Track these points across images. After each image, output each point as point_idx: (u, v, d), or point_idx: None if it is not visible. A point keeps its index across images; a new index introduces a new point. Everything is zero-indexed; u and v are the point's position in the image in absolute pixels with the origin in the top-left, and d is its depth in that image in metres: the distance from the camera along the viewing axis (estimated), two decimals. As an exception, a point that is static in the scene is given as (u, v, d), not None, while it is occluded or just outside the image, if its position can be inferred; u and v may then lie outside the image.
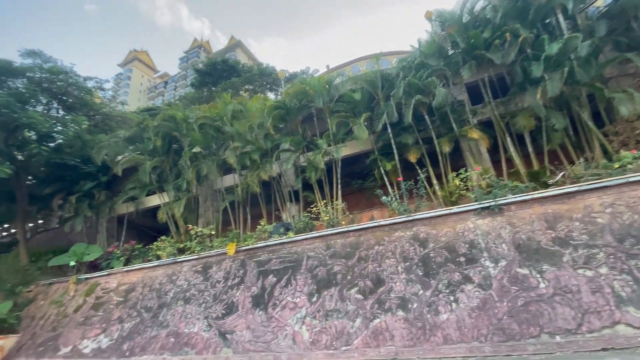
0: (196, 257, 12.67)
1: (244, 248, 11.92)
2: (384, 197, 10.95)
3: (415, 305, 8.07)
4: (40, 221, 27.77)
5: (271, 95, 30.58)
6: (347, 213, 12.25)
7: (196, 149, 14.24)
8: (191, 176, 14.36)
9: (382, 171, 12.56)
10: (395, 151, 12.08)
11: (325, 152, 12.42)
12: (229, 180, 16.52)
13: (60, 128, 17.70)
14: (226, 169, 16.17)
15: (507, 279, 7.70)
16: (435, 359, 7.22)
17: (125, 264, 14.51)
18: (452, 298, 7.94)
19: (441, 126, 12.50)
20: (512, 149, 11.80)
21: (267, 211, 15.24)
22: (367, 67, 20.24)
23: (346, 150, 13.39)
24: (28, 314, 14.81)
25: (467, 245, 8.80)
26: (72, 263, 15.11)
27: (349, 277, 9.33)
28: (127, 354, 10.54)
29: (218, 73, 30.31)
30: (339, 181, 13.10)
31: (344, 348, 7.98)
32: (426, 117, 12.01)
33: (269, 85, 32.04)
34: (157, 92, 76.54)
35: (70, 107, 19.66)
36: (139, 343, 10.65)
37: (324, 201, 13.03)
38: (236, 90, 27.09)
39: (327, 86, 12.81)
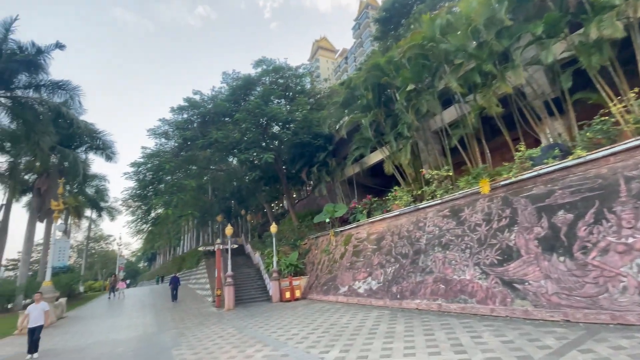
0: (439, 201, 11.42)
1: (502, 183, 9.46)
2: None
3: None
4: (293, 195, 36.64)
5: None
6: None
7: (410, 87, 12.71)
8: (411, 117, 13.09)
9: None
10: None
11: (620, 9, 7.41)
12: (449, 115, 14.14)
13: (290, 117, 21.31)
14: (444, 101, 13.88)
15: None
16: None
17: (368, 217, 15.49)
18: None
19: None
20: None
21: (511, 138, 11.86)
22: None
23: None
24: (308, 260, 19.03)
25: None
26: (327, 219, 17.96)
27: None
28: (397, 296, 10.85)
29: (398, 13, 27.55)
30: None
31: None
32: None
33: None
34: (341, 71, 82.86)
35: (291, 98, 23.50)
36: (407, 287, 10.68)
37: (629, 95, 8.18)
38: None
39: None
